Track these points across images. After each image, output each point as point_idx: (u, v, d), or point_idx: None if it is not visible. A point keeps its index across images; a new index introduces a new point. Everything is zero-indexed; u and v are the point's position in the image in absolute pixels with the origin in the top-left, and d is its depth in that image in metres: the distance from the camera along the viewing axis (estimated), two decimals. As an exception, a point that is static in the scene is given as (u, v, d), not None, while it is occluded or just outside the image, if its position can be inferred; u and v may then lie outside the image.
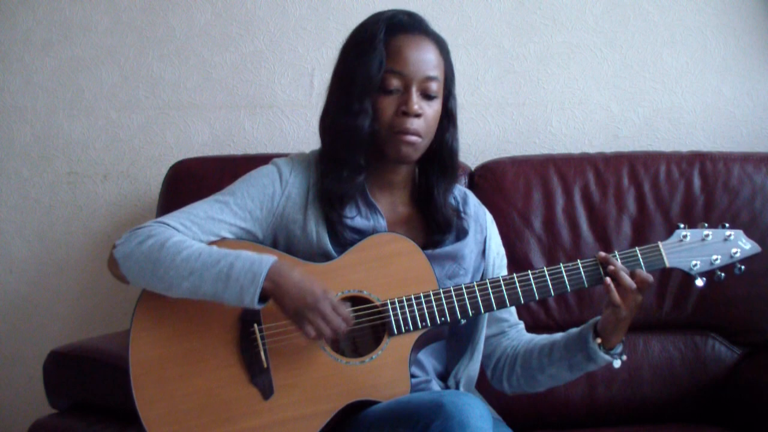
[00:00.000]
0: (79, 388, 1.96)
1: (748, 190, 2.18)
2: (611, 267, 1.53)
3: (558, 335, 1.67)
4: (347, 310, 1.48)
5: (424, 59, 1.59)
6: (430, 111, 1.60)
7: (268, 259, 1.49)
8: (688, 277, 1.58)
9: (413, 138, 1.58)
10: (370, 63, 1.57)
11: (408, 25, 1.61)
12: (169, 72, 2.50)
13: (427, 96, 1.59)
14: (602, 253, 1.56)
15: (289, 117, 2.49)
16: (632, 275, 1.52)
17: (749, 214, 2.16)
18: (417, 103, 1.57)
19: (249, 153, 2.41)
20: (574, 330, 1.65)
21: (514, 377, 1.70)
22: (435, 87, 1.60)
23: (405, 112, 1.57)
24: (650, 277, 1.52)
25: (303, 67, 2.49)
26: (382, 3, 2.42)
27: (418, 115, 1.57)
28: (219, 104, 2.50)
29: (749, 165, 2.20)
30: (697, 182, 2.20)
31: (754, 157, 2.23)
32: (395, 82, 1.58)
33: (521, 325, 1.78)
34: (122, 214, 2.50)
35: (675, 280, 2.16)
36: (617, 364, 1.59)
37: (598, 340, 1.57)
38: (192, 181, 2.25)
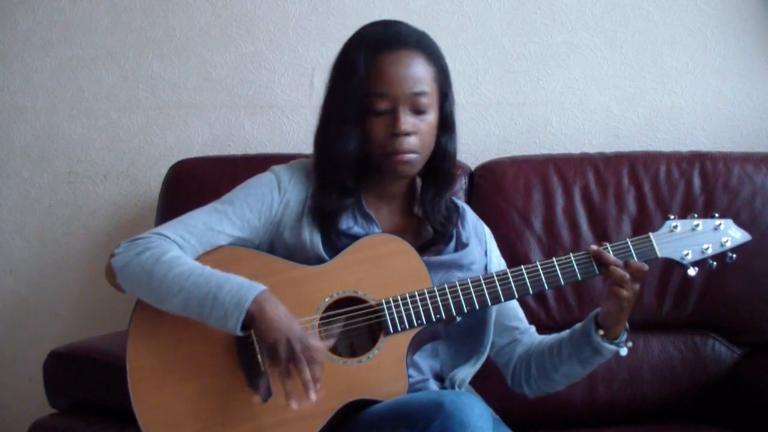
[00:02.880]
0: (79, 388, 1.96)
1: (748, 190, 2.18)
2: (605, 260, 1.54)
3: (564, 333, 1.68)
4: (320, 354, 1.45)
5: (409, 75, 1.56)
6: (423, 126, 1.57)
7: (256, 287, 1.47)
8: (681, 268, 1.58)
9: (408, 156, 1.57)
10: (352, 87, 1.56)
11: (387, 40, 1.58)
12: (169, 72, 2.50)
13: (417, 112, 1.57)
14: (594, 246, 1.57)
15: (289, 117, 2.50)
16: (626, 265, 1.53)
17: (749, 214, 2.16)
18: (407, 122, 1.55)
19: (249, 153, 2.41)
20: (577, 325, 1.65)
21: (532, 380, 1.71)
22: (425, 101, 1.57)
23: (395, 133, 1.55)
24: (645, 266, 1.53)
25: (303, 67, 2.49)
26: (381, 3, 2.44)
27: (408, 134, 1.56)
28: (219, 104, 2.50)
29: (749, 165, 2.20)
30: (697, 182, 2.20)
31: (754, 157, 2.23)
32: (383, 104, 1.56)
33: (532, 328, 1.77)
34: (122, 214, 2.50)
35: (675, 279, 2.17)
36: (624, 351, 1.61)
37: (601, 332, 1.58)
38: (192, 181, 2.26)
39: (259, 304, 1.45)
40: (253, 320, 1.45)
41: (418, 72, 1.57)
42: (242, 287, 1.47)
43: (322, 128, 1.64)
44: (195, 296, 1.47)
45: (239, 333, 1.46)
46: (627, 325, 1.61)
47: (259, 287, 1.47)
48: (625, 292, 1.52)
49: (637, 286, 1.54)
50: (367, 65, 1.56)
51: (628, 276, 1.52)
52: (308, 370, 1.42)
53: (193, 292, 1.48)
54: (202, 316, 1.48)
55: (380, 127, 1.56)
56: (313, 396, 1.41)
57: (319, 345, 1.45)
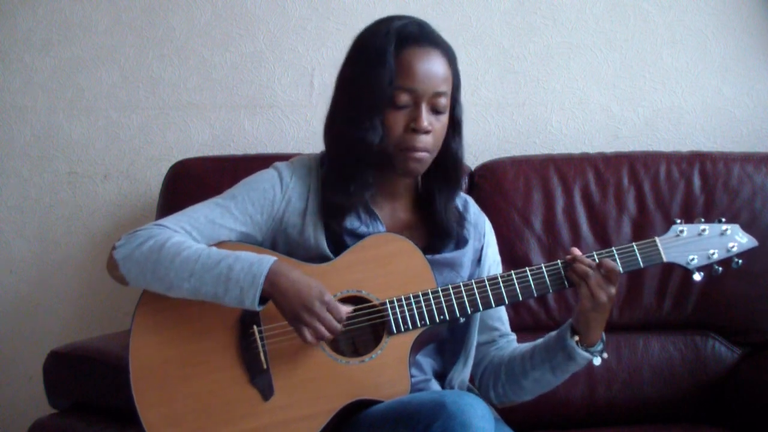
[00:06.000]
0: (79, 388, 1.96)
1: (748, 190, 2.18)
2: (576, 267, 1.52)
3: (539, 340, 1.66)
4: (344, 309, 1.48)
5: (434, 74, 1.56)
6: (438, 125, 1.58)
7: (267, 259, 1.49)
8: (686, 272, 1.57)
9: (421, 155, 1.57)
10: (380, 78, 1.54)
11: (418, 36, 1.58)
12: (169, 72, 2.50)
13: (436, 111, 1.58)
14: (576, 252, 1.55)
15: (289, 117, 2.50)
16: (599, 265, 1.51)
17: (749, 214, 2.16)
18: (427, 119, 1.55)
19: (249, 153, 2.41)
20: (554, 332, 1.64)
21: (499, 385, 1.69)
22: (443, 102, 1.58)
23: (414, 129, 1.55)
24: (617, 267, 1.51)
25: (303, 67, 2.49)
26: (381, 3, 2.44)
27: (427, 132, 1.56)
28: (219, 104, 2.50)
29: (749, 165, 2.20)
30: (697, 182, 2.20)
31: (754, 157, 2.23)
32: (405, 98, 1.55)
33: (512, 336, 1.76)
34: (122, 214, 2.50)
35: (675, 280, 2.17)
36: (597, 361, 1.58)
37: (576, 338, 1.57)
38: (192, 181, 2.26)
39: (272, 276, 1.47)
40: (269, 293, 1.47)
41: (442, 72, 1.58)
42: (253, 263, 1.48)
43: (343, 119, 1.60)
44: (207, 279, 1.48)
45: (257, 308, 1.48)
46: (604, 336, 1.59)
47: (270, 259, 1.49)
48: (601, 296, 1.50)
49: (612, 290, 1.52)
50: (396, 56, 1.55)
51: (601, 279, 1.50)
52: (333, 320, 1.46)
53: (205, 275, 1.48)
54: (216, 297, 1.48)
55: (399, 121, 1.56)
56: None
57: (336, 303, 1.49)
